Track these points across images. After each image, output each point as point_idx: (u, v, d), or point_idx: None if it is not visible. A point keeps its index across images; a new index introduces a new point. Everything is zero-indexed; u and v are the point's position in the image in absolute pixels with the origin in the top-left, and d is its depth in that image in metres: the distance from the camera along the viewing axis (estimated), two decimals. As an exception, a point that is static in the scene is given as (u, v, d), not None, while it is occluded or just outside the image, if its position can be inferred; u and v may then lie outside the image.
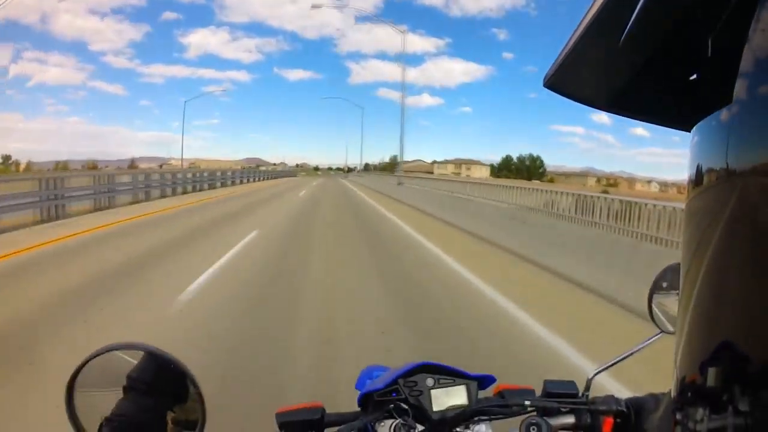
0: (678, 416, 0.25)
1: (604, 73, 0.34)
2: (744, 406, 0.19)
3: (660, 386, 0.59)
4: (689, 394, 0.24)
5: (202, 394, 0.55)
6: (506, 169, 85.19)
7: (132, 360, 0.56)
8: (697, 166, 0.26)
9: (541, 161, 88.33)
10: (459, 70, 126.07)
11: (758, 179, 0.20)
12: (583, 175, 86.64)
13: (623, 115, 0.35)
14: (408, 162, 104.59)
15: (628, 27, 0.28)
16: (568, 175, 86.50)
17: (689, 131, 0.29)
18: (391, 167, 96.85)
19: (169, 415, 0.55)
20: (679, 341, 0.26)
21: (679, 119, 0.31)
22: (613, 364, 0.72)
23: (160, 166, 66.68)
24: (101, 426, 0.52)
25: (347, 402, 0.70)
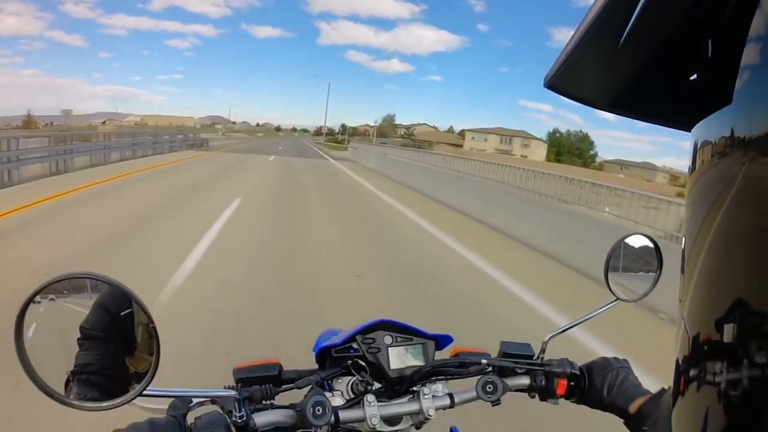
0: (692, 373, 0.26)
1: (605, 73, 0.34)
2: (761, 358, 0.20)
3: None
4: (705, 348, 0.25)
5: (156, 327, 0.50)
6: (557, 149, 60.11)
7: (80, 300, 0.49)
8: (698, 167, 0.26)
9: (591, 142, 64.20)
10: (432, 38, 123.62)
11: (759, 179, 0.20)
12: (645, 168, 63.04)
13: (624, 115, 0.35)
14: (407, 126, 78.24)
15: (628, 27, 0.28)
16: (626, 166, 63.58)
17: (689, 131, 0.28)
18: (389, 131, 70.29)
19: (129, 360, 0.52)
20: (686, 304, 0.26)
21: (679, 119, 0.31)
22: (568, 328, 0.72)
23: (103, 123, 60.37)
24: (68, 380, 0.48)
25: (306, 363, 0.67)
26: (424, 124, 78.87)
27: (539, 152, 58.97)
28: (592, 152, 64.06)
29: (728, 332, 0.22)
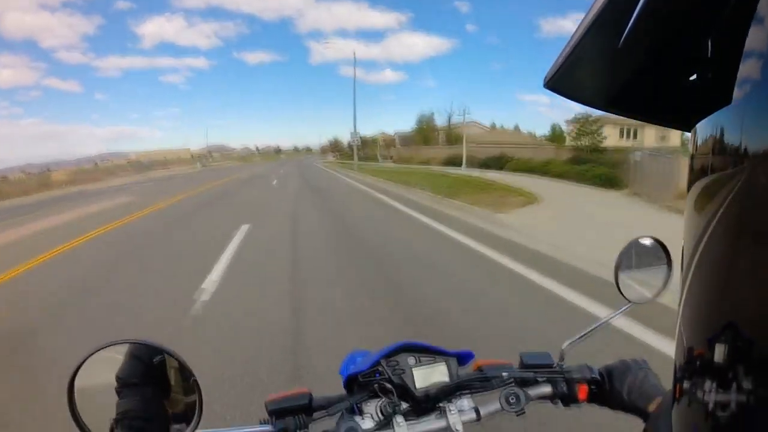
0: (685, 385, 0.26)
1: (605, 73, 0.33)
2: (749, 384, 0.20)
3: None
4: (697, 364, 0.25)
5: (196, 379, 0.56)
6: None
7: (117, 356, 0.55)
8: (697, 166, 0.26)
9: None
10: (422, 45, 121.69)
11: (758, 179, 0.20)
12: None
13: (623, 115, 0.35)
14: (455, 126, 54.39)
15: (628, 27, 0.28)
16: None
17: (689, 131, 0.28)
18: (428, 135, 48.38)
19: (167, 403, 0.56)
20: (684, 314, 0.26)
21: (679, 119, 0.31)
22: (585, 335, 0.74)
23: (95, 165, 62.67)
24: (112, 428, 0.53)
25: (334, 389, 0.71)
26: (474, 123, 56.86)
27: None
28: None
29: (719, 353, 0.22)
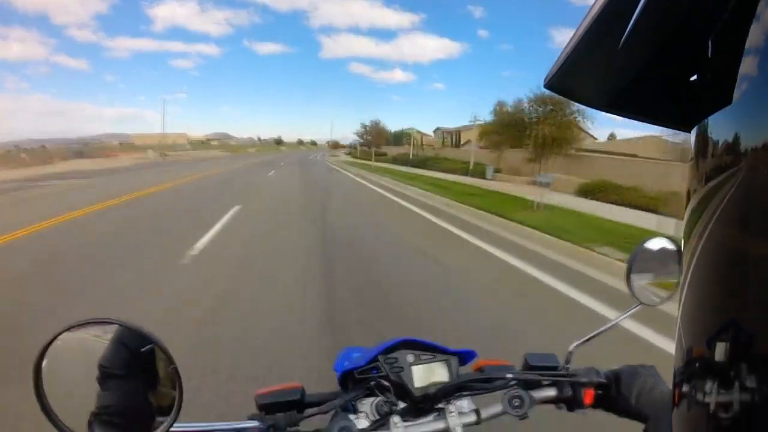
0: (684, 388, 0.26)
1: (605, 73, 0.34)
2: (750, 382, 0.20)
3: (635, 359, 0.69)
4: (696, 365, 0.25)
5: (177, 367, 0.50)
6: None
7: (98, 339, 0.50)
8: (697, 166, 0.26)
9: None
10: (433, 46, 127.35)
11: (758, 179, 0.20)
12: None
13: (623, 116, 0.35)
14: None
15: (628, 27, 0.28)
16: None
17: (689, 131, 0.29)
18: (520, 130, 26.52)
19: (152, 395, 0.51)
20: (683, 315, 0.27)
21: (679, 120, 0.31)
22: (593, 337, 0.72)
23: (84, 145, 58.37)
24: (90, 422, 0.47)
25: (328, 385, 0.67)
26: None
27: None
28: None
29: (719, 352, 0.22)
